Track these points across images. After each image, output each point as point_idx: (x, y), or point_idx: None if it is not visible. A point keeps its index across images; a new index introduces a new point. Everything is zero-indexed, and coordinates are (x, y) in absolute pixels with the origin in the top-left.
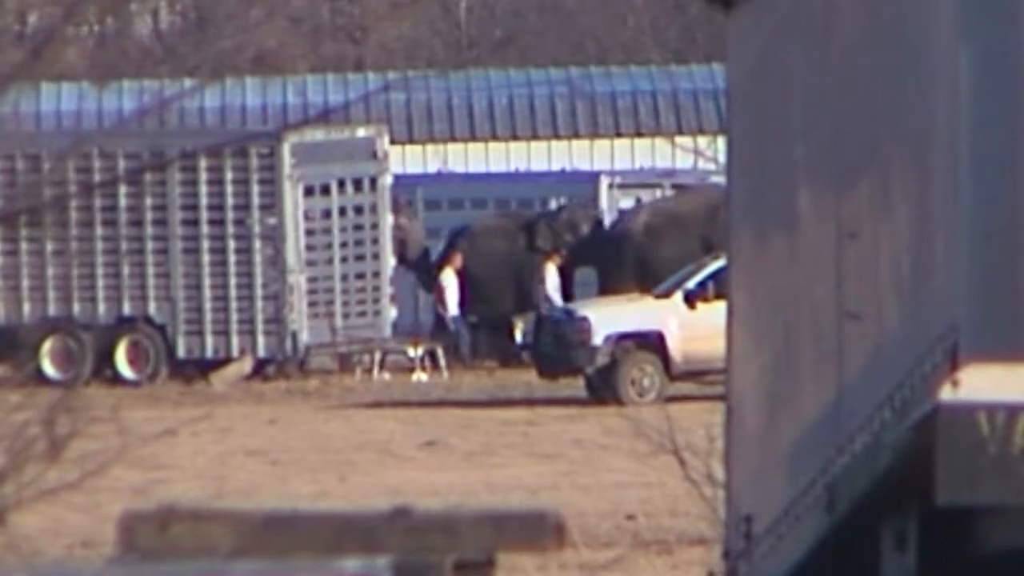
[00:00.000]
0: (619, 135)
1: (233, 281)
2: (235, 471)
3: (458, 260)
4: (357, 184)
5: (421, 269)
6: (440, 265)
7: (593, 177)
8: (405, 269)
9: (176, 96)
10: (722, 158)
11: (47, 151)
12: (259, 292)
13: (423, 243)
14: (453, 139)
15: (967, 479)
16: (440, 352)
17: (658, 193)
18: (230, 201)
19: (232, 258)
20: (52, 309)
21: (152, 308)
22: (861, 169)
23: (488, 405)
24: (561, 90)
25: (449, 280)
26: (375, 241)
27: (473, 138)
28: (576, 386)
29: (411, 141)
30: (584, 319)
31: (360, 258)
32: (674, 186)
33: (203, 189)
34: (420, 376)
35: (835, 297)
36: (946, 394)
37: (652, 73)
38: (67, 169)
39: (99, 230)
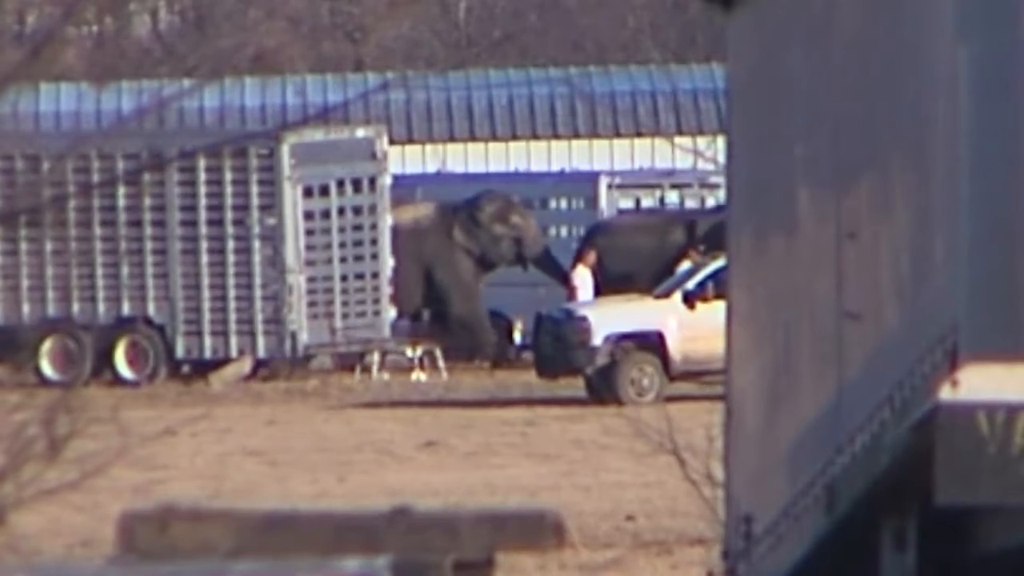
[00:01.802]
0: (618, 135)
1: (232, 281)
2: (234, 471)
3: (592, 257)
4: (356, 184)
5: (547, 265)
6: (574, 262)
7: (592, 177)
8: (523, 268)
9: (175, 96)
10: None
11: (46, 151)
12: (258, 292)
13: (542, 240)
14: (452, 139)
15: (967, 479)
16: (439, 352)
17: (657, 194)
18: (229, 201)
19: (231, 258)
20: (51, 309)
21: (151, 308)
22: (861, 169)
23: (487, 405)
24: (561, 90)
25: (582, 277)
26: (374, 241)
27: (472, 138)
28: (576, 386)
29: (410, 141)
30: (584, 319)
31: (359, 258)
32: (673, 186)
33: (202, 189)
34: (419, 376)
35: (835, 297)
36: (946, 394)
37: (651, 73)
38: (66, 169)
39: (98, 230)
